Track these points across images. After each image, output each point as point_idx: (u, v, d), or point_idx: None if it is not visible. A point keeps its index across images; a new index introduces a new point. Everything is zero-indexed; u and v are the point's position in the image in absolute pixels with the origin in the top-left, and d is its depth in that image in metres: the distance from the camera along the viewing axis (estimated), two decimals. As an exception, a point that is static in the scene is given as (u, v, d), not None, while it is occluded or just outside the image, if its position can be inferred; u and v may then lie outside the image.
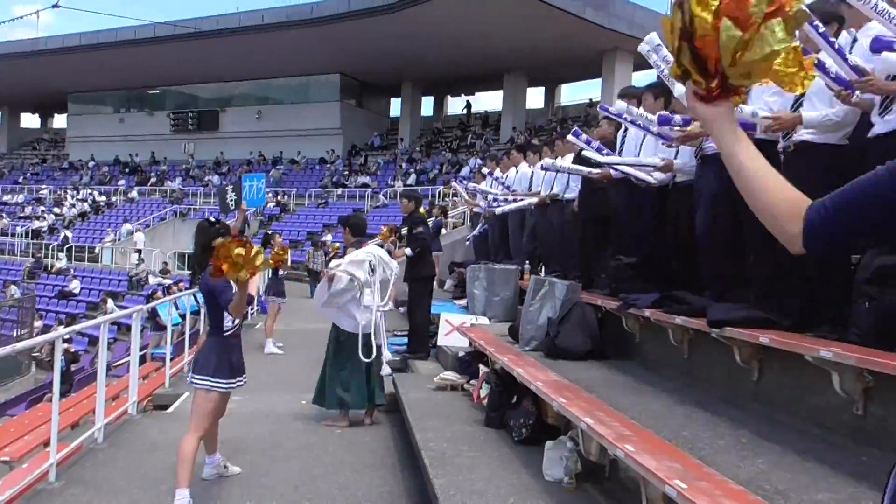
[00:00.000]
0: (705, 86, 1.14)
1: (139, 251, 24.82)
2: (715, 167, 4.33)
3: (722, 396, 4.01)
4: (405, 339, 7.85)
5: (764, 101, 3.81)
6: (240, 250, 3.55)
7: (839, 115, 3.45)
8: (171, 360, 7.84)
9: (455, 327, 7.00)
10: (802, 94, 3.65)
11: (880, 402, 2.91)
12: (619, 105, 5.04)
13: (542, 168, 7.25)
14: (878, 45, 2.84)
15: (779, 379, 3.63)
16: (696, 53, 1.11)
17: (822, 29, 3.12)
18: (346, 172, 31.19)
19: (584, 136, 6.09)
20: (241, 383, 4.25)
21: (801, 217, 1.08)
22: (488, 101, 36.03)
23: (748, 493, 2.38)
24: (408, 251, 7.53)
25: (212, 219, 4.32)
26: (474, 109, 36.10)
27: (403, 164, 30.38)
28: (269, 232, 12.75)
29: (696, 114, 1.19)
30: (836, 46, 3.10)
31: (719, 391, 4.10)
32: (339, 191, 29.23)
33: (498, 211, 9.03)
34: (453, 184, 16.18)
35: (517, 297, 7.70)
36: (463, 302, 8.98)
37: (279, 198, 28.72)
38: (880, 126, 3.18)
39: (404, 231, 7.63)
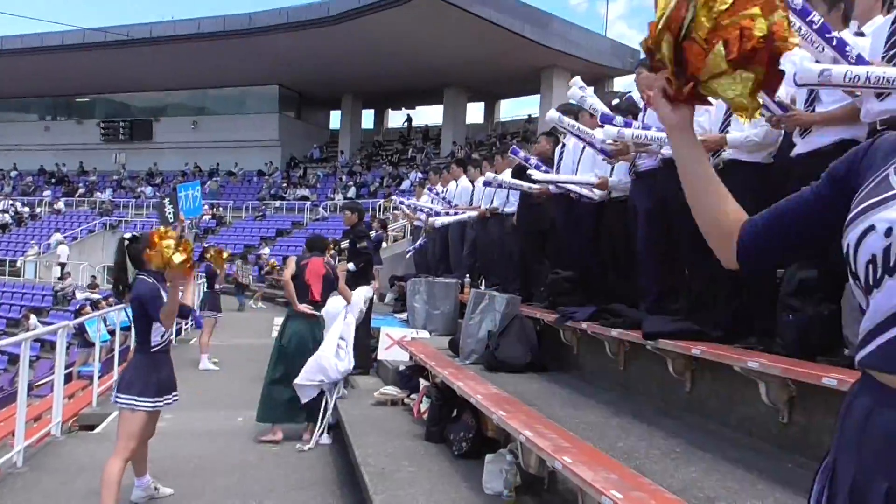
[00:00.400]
0: (676, 86, 1.10)
1: (63, 265, 23.80)
2: (648, 183, 4.47)
3: (657, 407, 4.11)
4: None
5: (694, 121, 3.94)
6: (173, 243, 3.60)
7: (759, 136, 3.63)
8: (100, 377, 7.52)
9: (396, 341, 6.97)
10: (730, 114, 3.82)
11: (803, 410, 3.03)
12: (552, 115, 5.09)
13: (485, 184, 7.33)
14: (797, 85, 2.99)
15: (710, 389, 3.74)
16: (681, 53, 1.07)
17: None
18: (285, 185, 30.77)
19: (522, 154, 6.19)
20: (171, 401, 4.10)
21: (735, 234, 1.13)
22: (429, 115, 36.21)
23: (682, 501, 2.44)
24: (351, 266, 7.46)
25: (128, 235, 4.18)
26: (415, 123, 36.24)
27: (344, 177, 30.18)
28: (206, 245, 12.42)
29: (658, 112, 1.16)
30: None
31: (654, 402, 4.20)
32: (278, 203, 28.80)
33: (438, 222, 9.06)
34: (394, 198, 16.17)
35: (458, 311, 7.72)
36: (403, 316, 8.95)
37: (215, 210, 28.09)
38: (802, 146, 3.34)
39: (345, 244, 7.57)
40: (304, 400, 5.72)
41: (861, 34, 3.18)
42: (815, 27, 2.90)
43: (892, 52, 2.79)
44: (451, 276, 8.69)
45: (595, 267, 5.46)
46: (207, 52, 28.89)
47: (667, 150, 3.96)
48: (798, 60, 2.93)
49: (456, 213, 8.65)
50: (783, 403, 3.07)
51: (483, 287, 7.60)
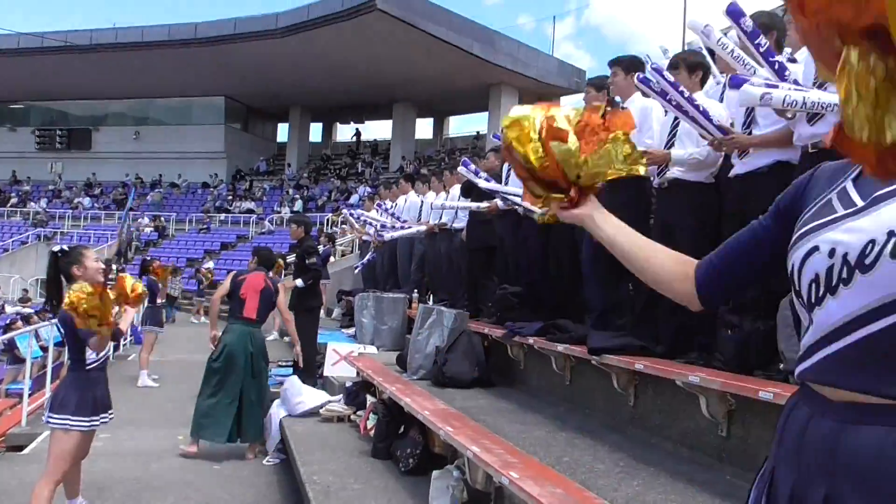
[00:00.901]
0: (566, 198, 1.27)
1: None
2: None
3: (601, 421, 4.16)
4: (290, 370, 7.64)
5: (641, 140, 4.05)
6: (91, 302, 3.33)
7: (702, 155, 3.74)
8: (30, 395, 7.20)
9: (342, 357, 6.89)
10: (675, 133, 3.93)
11: (741, 423, 3.12)
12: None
13: (432, 207, 7.40)
14: (734, 82, 3.11)
15: (653, 403, 3.82)
16: (544, 181, 1.25)
17: (686, 94, 3.41)
18: (230, 197, 30.21)
19: (473, 167, 6.24)
20: (107, 420, 3.95)
21: (692, 277, 1.18)
22: (378, 129, 36.19)
23: (626, 515, 2.47)
24: (299, 282, 7.35)
25: (57, 248, 4.03)
26: (364, 137, 36.15)
27: (291, 191, 29.82)
28: (148, 258, 12.08)
29: (573, 219, 1.30)
30: (701, 109, 3.38)
31: (599, 416, 4.26)
32: (223, 216, 28.23)
33: (387, 236, 9.03)
34: (344, 211, 16.07)
35: (405, 326, 7.70)
36: (351, 331, 8.87)
37: (157, 222, 27.37)
38: (739, 167, 3.46)
39: (291, 259, 7.47)
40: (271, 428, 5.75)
41: (794, 60, 3.33)
42: (761, 50, 3.03)
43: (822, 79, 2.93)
44: (400, 292, 8.67)
45: (542, 283, 5.52)
46: (151, 60, 28.23)
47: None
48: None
49: (405, 228, 8.65)
50: (722, 417, 3.16)
51: (431, 302, 7.61)
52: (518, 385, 5.45)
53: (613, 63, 4.40)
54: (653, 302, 3.99)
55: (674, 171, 3.89)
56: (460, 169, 6.43)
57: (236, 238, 25.96)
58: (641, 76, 3.76)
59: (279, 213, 26.64)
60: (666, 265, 1.22)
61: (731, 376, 3.08)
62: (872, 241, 0.87)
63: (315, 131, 36.65)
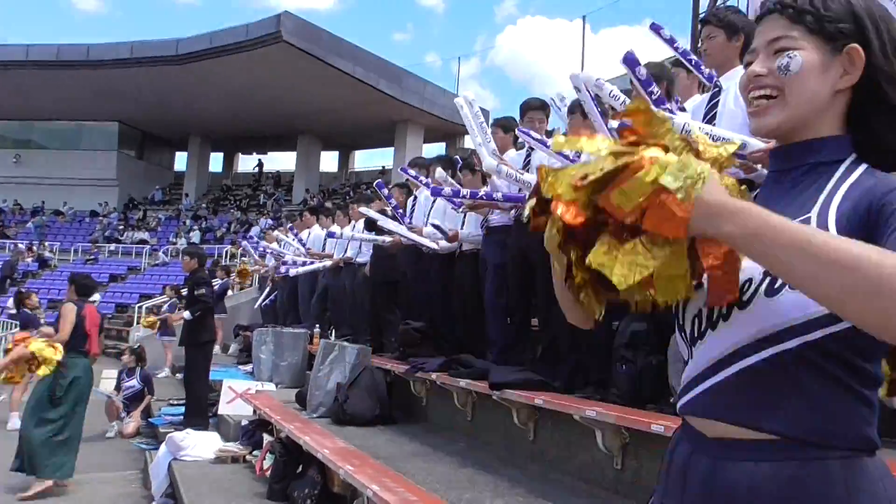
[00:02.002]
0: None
1: None
2: (499, 237, 4.65)
3: (502, 456, 4.18)
4: (181, 409, 7.27)
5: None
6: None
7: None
8: None
9: (238, 394, 6.63)
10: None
11: (634, 456, 3.22)
12: (440, 173, 5.15)
13: (329, 235, 7.33)
14: (620, 126, 3.29)
15: (552, 438, 3.88)
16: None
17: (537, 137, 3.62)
18: (122, 227, 28.73)
19: (386, 191, 6.25)
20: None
21: None
22: (282, 161, 35.55)
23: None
24: (187, 314, 7.05)
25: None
26: (267, 169, 35.46)
27: (188, 221, 28.73)
28: (23, 290, 11.25)
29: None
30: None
31: (500, 452, 4.28)
32: (112, 246, 26.77)
33: (291, 272, 8.83)
34: (244, 243, 15.62)
35: (306, 362, 7.51)
36: (248, 367, 8.57)
37: (37, 251, 25.59)
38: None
39: (185, 291, 7.18)
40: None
41: (683, 109, 3.56)
42: (653, 98, 3.21)
43: (710, 125, 3.13)
44: (301, 327, 8.47)
45: (445, 317, 5.55)
46: (37, 81, 26.66)
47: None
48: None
49: (306, 263, 8.50)
50: (617, 450, 3.25)
51: (333, 337, 7.48)
52: (420, 421, 5.41)
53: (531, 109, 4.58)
54: (555, 338, 4.09)
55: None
56: (377, 190, 6.45)
57: (127, 270, 24.65)
58: (520, 129, 3.97)
59: (174, 244, 25.57)
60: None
61: (625, 410, 3.18)
62: (749, 280, 0.92)
63: (215, 161, 35.64)
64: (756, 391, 0.91)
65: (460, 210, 4.98)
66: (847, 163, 0.97)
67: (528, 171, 4.23)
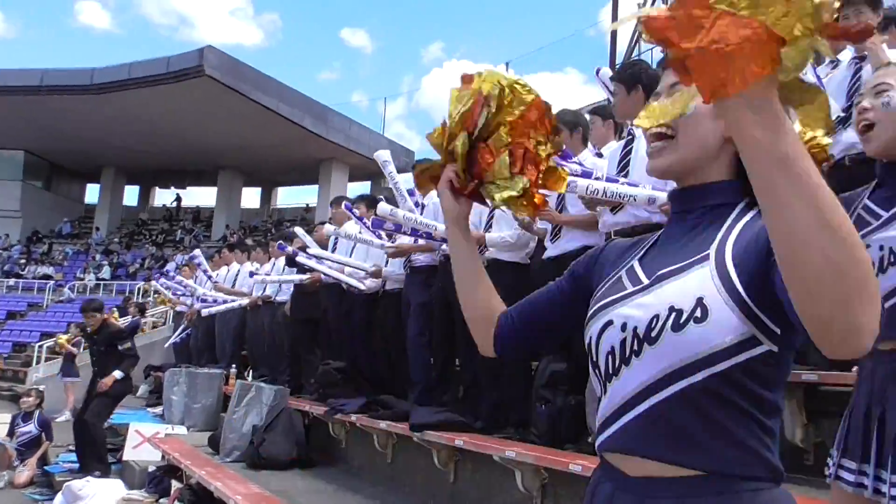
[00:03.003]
0: (463, 181, 1.17)
1: None
2: (422, 277, 4.66)
3: (422, 499, 4.12)
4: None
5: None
6: None
7: (514, 238, 4.01)
8: None
9: (146, 438, 6.30)
10: (492, 216, 4.16)
11: (554, 496, 3.23)
12: (383, 207, 5.09)
13: (251, 275, 7.15)
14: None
15: (472, 479, 3.85)
16: (473, 153, 1.14)
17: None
18: (24, 261, 27.14)
19: (290, 249, 6.15)
20: None
21: (494, 323, 1.23)
22: (201, 196, 34.64)
23: None
24: (118, 374, 6.60)
25: None
26: (186, 203, 34.45)
27: (97, 256, 27.44)
28: None
29: (442, 202, 1.21)
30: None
31: (420, 494, 4.21)
32: (12, 281, 25.20)
33: (205, 312, 8.53)
34: (154, 282, 15.02)
35: (221, 404, 7.23)
36: (158, 410, 8.17)
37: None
38: (552, 250, 3.73)
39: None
40: None
41: (600, 155, 3.70)
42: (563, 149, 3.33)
43: (623, 172, 3.27)
44: (216, 367, 8.16)
45: (367, 357, 5.48)
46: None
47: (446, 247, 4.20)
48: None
49: (225, 301, 8.24)
50: (537, 490, 3.25)
51: (250, 378, 7.25)
52: (339, 464, 5.27)
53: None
54: (476, 378, 4.10)
55: (491, 251, 4.12)
56: (297, 230, 6.32)
57: (27, 306, 23.21)
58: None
59: (82, 279, 24.33)
60: (487, 301, 1.24)
61: (544, 450, 3.20)
62: (657, 316, 0.95)
63: (130, 194, 34.34)
64: (669, 426, 0.94)
65: (386, 252, 4.96)
66: (740, 206, 1.03)
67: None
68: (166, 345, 11.25)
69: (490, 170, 1.13)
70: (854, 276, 0.68)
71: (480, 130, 1.13)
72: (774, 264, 0.87)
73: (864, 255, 0.69)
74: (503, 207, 1.18)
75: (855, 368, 1.68)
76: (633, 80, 3.23)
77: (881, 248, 1.53)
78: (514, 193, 1.13)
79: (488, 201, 1.19)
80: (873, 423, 1.51)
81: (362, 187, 27.96)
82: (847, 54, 3.51)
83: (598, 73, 3.83)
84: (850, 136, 3.01)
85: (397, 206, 4.87)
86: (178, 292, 9.94)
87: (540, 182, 1.14)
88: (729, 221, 1.01)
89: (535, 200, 1.16)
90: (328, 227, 5.28)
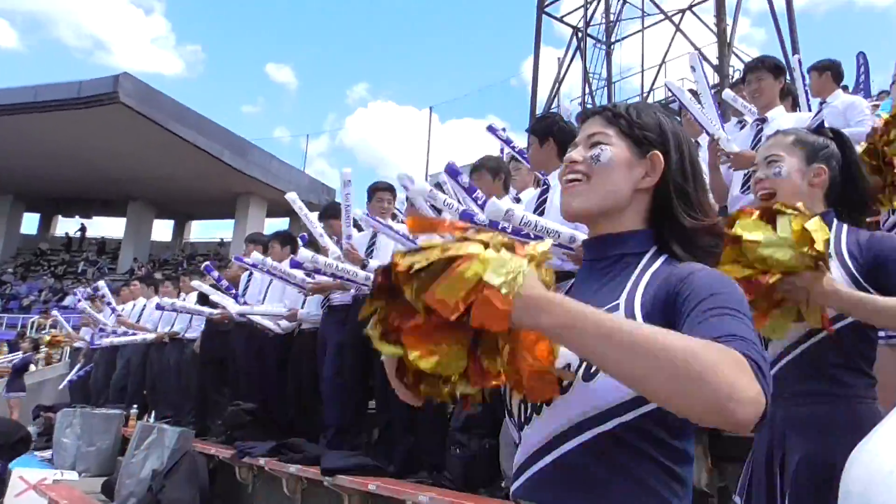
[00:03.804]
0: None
1: None
2: (340, 316, 4.58)
3: (331, 548, 3.98)
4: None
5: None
6: None
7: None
8: None
9: (31, 485, 5.83)
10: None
11: (467, 541, 3.19)
12: (304, 253, 4.94)
13: (158, 307, 6.84)
14: (464, 216, 3.43)
15: (384, 525, 3.76)
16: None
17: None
18: None
19: (216, 273, 5.95)
20: None
21: None
22: (109, 226, 33.16)
23: None
24: None
25: None
26: (91, 234, 32.80)
27: (-12, 286, 25.67)
28: None
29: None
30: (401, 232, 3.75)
31: (329, 542, 4.07)
32: None
33: (105, 342, 8.07)
34: (53, 312, 14.13)
35: (118, 447, 6.80)
36: (47, 454, 7.60)
37: None
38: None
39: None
40: None
41: (518, 200, 3.79)
42: (479, 203, 3.43)
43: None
44: (115, 407, 7.70)
45: (279, 399, 5.31)
46: None
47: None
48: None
49: (127, 334, 7.83)
50: (450, 536, 3.20)
51: (152, 419, 6.88)
52: (244, 511, 5.04)
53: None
54: (391, 421, 4.03)
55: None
56: (205, 271, 6.08)
57: None
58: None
59: (-31, 311, 22.65)
60: None
61: (457, 495, 3.16)
62: (568, 365, 0.97)
63: (30, 222, 32.43)
64: (579, 474, 0.95)
65: (307, 291, 4.86)
66: (649, 254, 1.07)
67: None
68: (61, 385, 10.51)
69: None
70: (703, 385, 0.75)
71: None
72: (676, 317, 0.91)
73: (709, 366, 0.76)
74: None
75: None
76: (546, 132, 3.34)
77: None
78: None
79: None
80: (776, 468, 1.57)
81: (280, 223, 27.49)
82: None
83: (489, 129, 3.95)
84: (751, 197, 3.22)
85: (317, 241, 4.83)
86: (79, 323, 9.38)
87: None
88: (639, 269, 1.04)
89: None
90: (256, 255, 5.09)
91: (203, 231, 40.98)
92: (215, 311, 5.70)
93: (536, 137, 3.38)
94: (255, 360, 5.53)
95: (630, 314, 0.97)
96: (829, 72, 4.59)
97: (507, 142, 4.12)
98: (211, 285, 5.96)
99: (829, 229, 1.63)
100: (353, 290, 4.38)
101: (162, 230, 33.06)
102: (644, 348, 0.77)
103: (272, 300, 5.44)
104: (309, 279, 4.64)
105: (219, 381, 6.17)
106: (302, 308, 5.08)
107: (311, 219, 4.65)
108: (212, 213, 31.63)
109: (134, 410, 7.34)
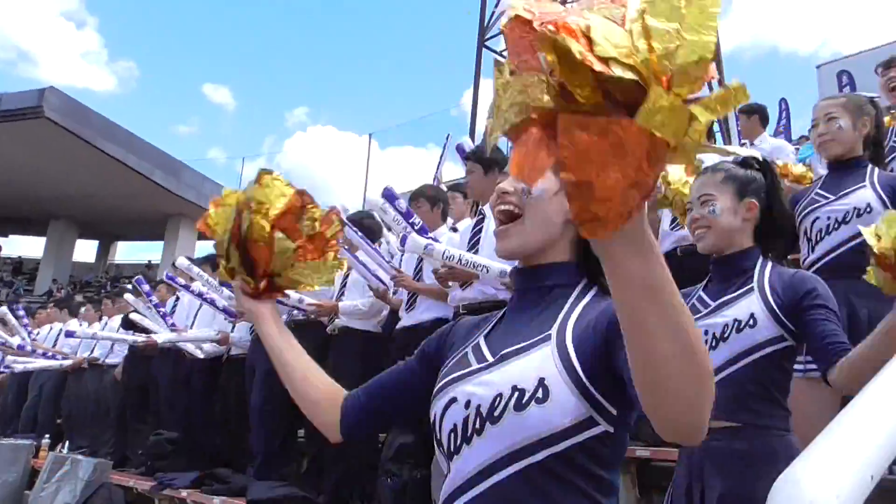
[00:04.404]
0: (254, 285, 1.23)
1: None
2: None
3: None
4: None
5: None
6: None
7: (366, 306, 4.01)
8: None
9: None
10: (345, 283, 4.13)
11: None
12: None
13: (67, 335, 6.55)
14: (402, 243, 3.43)
15: (311, 559, 3.65)
16: (247, 256, 1.20)
17: (360, 234, 3.69)
18: None
19: (146, 287, 5.74)
20: None
21: (338, 406, 1.21)
22: (27, 246, 31.60)
23: None
24: None
25: None
26: (6, 253, 31.17)
27: None
28: None
29: (243, 307, 1.27)
30: (376, 251, 3.67)
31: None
32: None
33: (18, 368, 7.62)
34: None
35: (26, 480, 6.40)
36: (-54, 487, 7.08)
37: None
38: (406, 320, 3.73)
39: None
40: None
41: (455, 230, 3.82)
42: (415, 228, 3.44)
43: (473, 249, 3.37)
44: (25, 437, 7.25)
45: (204, 427, 5.13)
46: None
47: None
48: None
49: (44, 355, 7.42)
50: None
51: (66, 450, 6.52)
52: (163, 547, 4.80)
53: None
54: (321, 450, 3.95)
55: (343, 319, 4.08)
56: (122, 302, 5.85)
57: None
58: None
59: None
60: (321, 387, 1.23)
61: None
62: (500, 395, 0.96)
63: (-62, 240, 30.63)
64: None
65: (236, 319, 4.74)
66: (580, 286, 1.07)
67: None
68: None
69: (269, 260, 1.21)
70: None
71: (247, 234, 1.19)
72: (616, 346, 0.91)
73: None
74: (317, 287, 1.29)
75: None
76: (490, 161, 3.38)
77: (706, 332, 1.70)
78: (307, 281, 1.24)
79: (294, 290, 1.29)
80: (695, 500, 1.61)
81: (212, 246, 26.77)
82: None
83: (384, 194, 3.64)
84: (683, 231, 3.34)
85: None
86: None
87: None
88: (570, 302, 1.04)
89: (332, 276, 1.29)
90: (181, 260, 4.97)
91: (129, 252, 39.55)
92: (139, 340, 5.49)
93: (481, 165, 3.40)
94: (181, 387, 5.33)
95: (562, 346, 0.97)
96: (757, 115, 4.84)
97: (407, 214, 3.66)
98: (126, 317, 5.72)
99: (755, 266, 1.71)
100: (284, 316, 4.30)
101: (85, 251, 31.78)
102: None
103: (202, 324, 5.27)
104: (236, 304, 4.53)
105: (141, 408, 5.92)
106: (233, 333, 4.95)
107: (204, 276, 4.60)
108: (140, 234, 30.61)
109: (46, 441, 6.94)
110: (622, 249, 0.63)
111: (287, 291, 1.31)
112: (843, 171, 2.53)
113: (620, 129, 0.52)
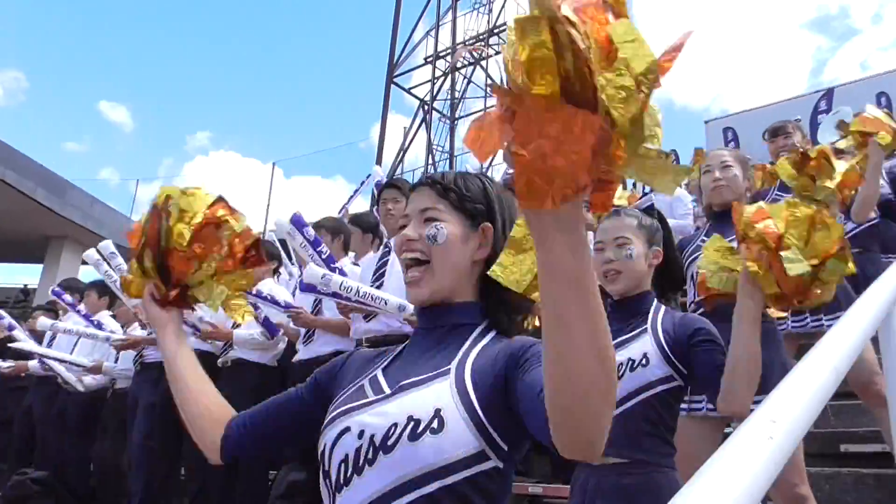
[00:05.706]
0: (164, 291, 1.23)
1: None
2: (153, 374, 4.25)
3: None
4: None
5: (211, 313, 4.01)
6: None
7: (262, 336, 3.89)
8: None
9: None
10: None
11: None
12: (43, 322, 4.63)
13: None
14: (303, 287, 3.37)
15: None
16: (163, 261, 1.20)
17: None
18: None
19: (69, 297, 5.29)
20: None
21: (222, 426, 1.18)
22: None
23: None
24: None
25: None
26: None
27: None
28: None
29: (147, 313, 1.27)
30: (269, 296, 3.60)
31: None
32: None
33: None
34: None
35: None
36: None
37: None
38: (303, 353, 3.66)
39: None
40: None
41: (357, 264, 3.79)
42: (323, 256, 3.40)
43: (378, 283, 3.36)
44: None
45: (79, 465, 4.78)
46: None
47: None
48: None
49: None
50: None
51: None
52: None
53: None
54: (206, 485, 3.76)
55: (237, 351, 3.94)
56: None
57: None
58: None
59: None
60: (211, 407, 1.20)
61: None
62: (395, 425, 0.96)
63: None
64: None
65: (113, 344, 4.48)
66: (481, 327, 1.10)
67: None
68: None
69: (184, 273, 1.23)
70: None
71: (166, 240, 1.21)
72: (514, 377, 0.94)
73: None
74: (222, 309, 1.30)
75: None
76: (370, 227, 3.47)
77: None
78: (214, 298, 1.26)
79: (201, 303, 1.29)
80: None
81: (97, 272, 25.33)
82: None
83: (293, 220, 3.52)
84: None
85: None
86: None
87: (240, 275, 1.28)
88: (470, 340, 1.06)
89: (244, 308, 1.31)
90: (43, 321, 4.65)
91: (4, 275, 36.80)
92: (6, 366, 5.08)
93: (360, 228, 3.47)
94: (55, 420, 4.96)
95: (460, 380, 0.98)
96: None
97: (315, 243, 3.56)
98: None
99: (650, 308, 1.79)
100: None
101: (-49, 272, 29.27)
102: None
103: (81, 354, 4.93)
104: (116, 336, 4.32)
105: (5, 444, 5.44)
106: (116, 363, 4.66)
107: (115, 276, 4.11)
108: (16, 255, 28.45)
109: None
110: (557, 237, 0.65)
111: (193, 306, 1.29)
112: (727, 218, 2.68)
113: (579, 115, 0.58)
